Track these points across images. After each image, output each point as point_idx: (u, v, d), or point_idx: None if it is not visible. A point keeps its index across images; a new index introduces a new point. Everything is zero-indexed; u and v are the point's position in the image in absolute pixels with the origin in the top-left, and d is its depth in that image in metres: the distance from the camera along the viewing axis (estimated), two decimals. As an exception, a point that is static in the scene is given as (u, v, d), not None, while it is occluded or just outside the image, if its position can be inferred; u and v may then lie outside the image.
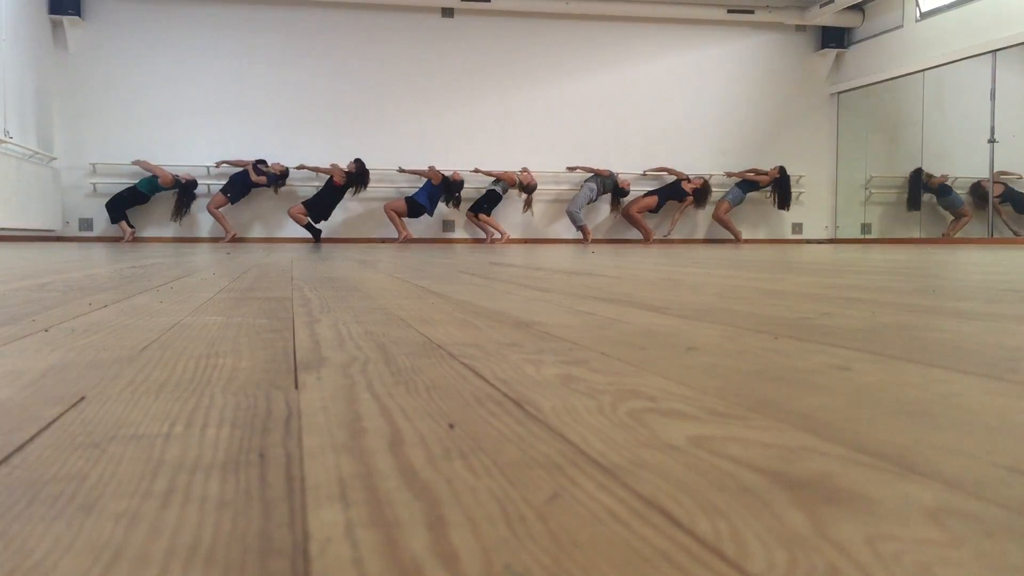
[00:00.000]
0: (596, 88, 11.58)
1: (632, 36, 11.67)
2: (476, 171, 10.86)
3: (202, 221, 10.73)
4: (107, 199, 10.24)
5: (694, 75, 11.84)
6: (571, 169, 11.20)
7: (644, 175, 11.55)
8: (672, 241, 11.66)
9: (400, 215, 10.51)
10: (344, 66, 11.03)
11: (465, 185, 10.78)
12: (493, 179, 10.80)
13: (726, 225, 11.45)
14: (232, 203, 10.31)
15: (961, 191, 10.78)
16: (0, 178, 8.45)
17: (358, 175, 10.30)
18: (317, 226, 10.41)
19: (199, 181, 10.55)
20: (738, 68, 11.97)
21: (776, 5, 11.68)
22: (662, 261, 4.06)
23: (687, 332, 1.10)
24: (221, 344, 1.00)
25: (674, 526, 0.38)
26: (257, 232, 10.87)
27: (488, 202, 10.74)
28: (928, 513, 0.39)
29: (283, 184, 10.46)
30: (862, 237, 11.93)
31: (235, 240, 10.41)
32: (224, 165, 10.52)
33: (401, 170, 10.73)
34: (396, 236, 10.68)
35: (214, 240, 10.47)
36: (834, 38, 12.00)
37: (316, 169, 10.38)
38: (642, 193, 11.34)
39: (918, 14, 10.84)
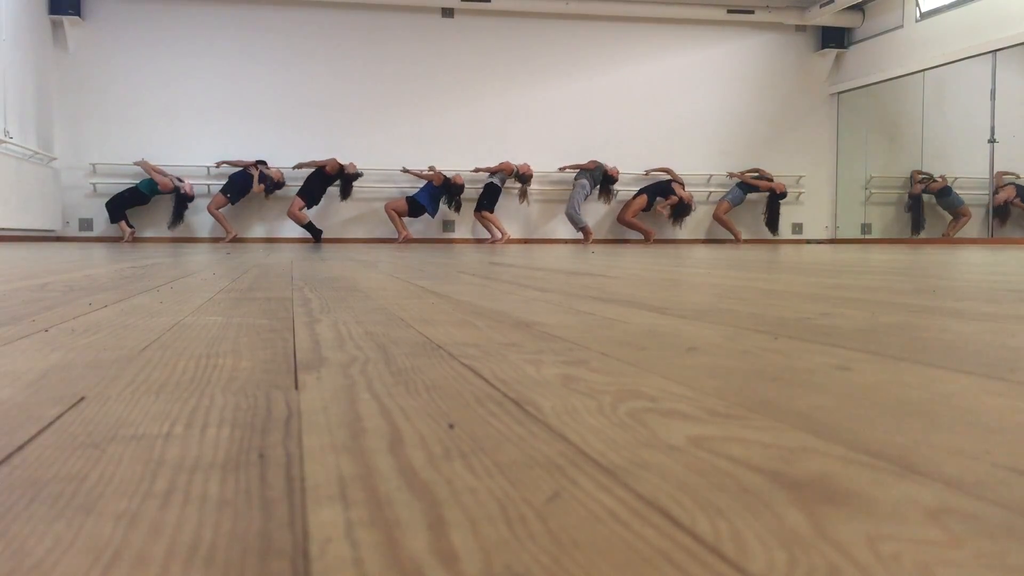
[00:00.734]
0: (596, 88, 11.58)
1: (632, 36, 11.67)
2: (476, 170, 10.86)
3: (202, 221, 10.73)
4: (107, 199, 10.24)
5: (694, 75, 11.84)
6: (562, 170, 11.21)
7: (646, 174, 11.55)
8: (673, 241, 11.66)
9: (401, 215, 10.51)
10: (344, 66, 11.03)
11: (467, 188, 10.78)
12: (489, 172, 10.77)
13: (726, 225, 11.45)
14: (232, 203, 10.32)
15: (962, 191, 10.78)
16: (0, 178, 8.45)
17: (347, 176, 10.32)
18: (318, 227, 10.43)
19: (199, 182, 10.55)
20: (738, 68, 11.96)
21: (776, 5, 11.68)
22: (662, 261, 4.06)
23: (687, 332, 1.10)
24: (221, 344, 1.00)
25: (674, 526, 0.38)
26: (257, 232, 10.87)
27: (488, 197, 10.71)
28: (928, 513, 0.39)
29: (279, 188, 10.47)
30: (862, 237, 11.93)
31: (235, 240, 10.42)
32: (224, 165, 10.52)
33: (405, 170, 10.74)
34: (396, 236, 10.68)
35: (214, 240, 10.47)
36: (834, 38, 12.01)
37: (313, 163, 10.39)
38: (631, 195, 11.33)
39: (918, 14, 10.85)
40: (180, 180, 10.29)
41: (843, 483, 0.44)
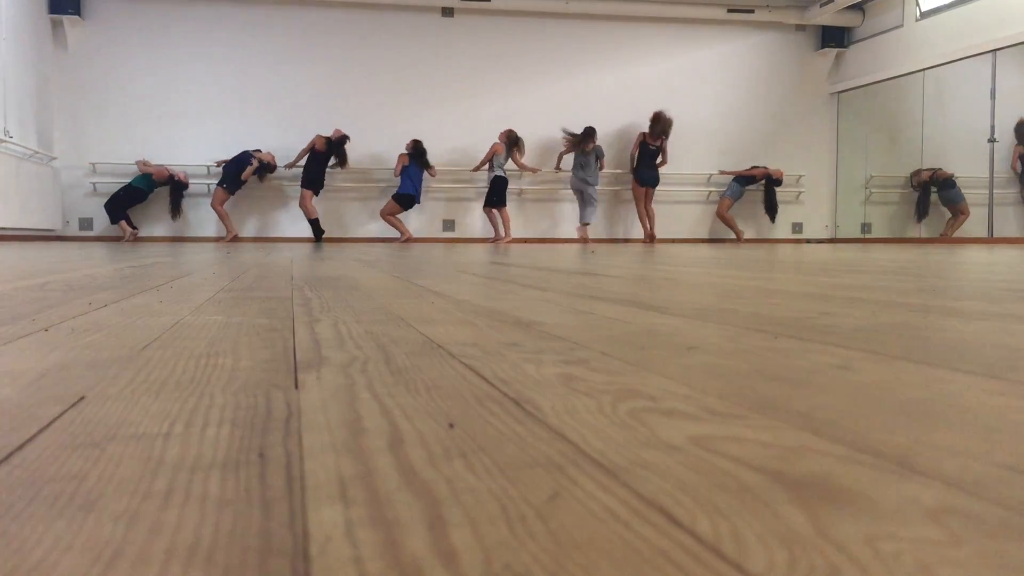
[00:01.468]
0: (596, 88, 11.58)
1: (632, 36, 11.67)
2: (476, 169, 10.84)
3: (202, 220, 10.73)
4: (106, 198, 10.24)
5: (694, 74, 11.83)
6: (722, 173, 11.45)
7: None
8: (672, 241, 11.66)
9: (395, 213, 10.50)
10: (344, 66, 11.03)
11: (466, 188, 10.76)
12: (487, 166, 10.70)
13: (729, 223, 11.44)
14: (231, 194, 10.30)
15: (965, 190, 10.77)
16: (0, 178, 8.45)
17: (337, 142, 10.32)
18: (322, 227, 10.44)
19: (199, 181, 10.55)
20: (738, 67, 11.96)
21: (776, 4, 11.68)
22: (662, 261, 4.06)
23: (687, 332, 1.10)
24: (221, 344, 1.00)
25: (674, 526, 0.38)
26: (257, 232, 10.87)
27: (498, 193, 10.64)
28: (928, 513, 0.39)
29: (271, 172, 10.46)
30: (862, 237, 11.93)
31: (235, 240, 10.42)
32: (223, 164, 10.53)
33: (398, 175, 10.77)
34: (398, 236, 10.68)
35: (215, 240, 10.47)
36: (834, 37, 12.00)
37: (301, 154, 10.40)
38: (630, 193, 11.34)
39: (918, 13, 10.84)
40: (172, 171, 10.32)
41: (843, 483, 0.44)
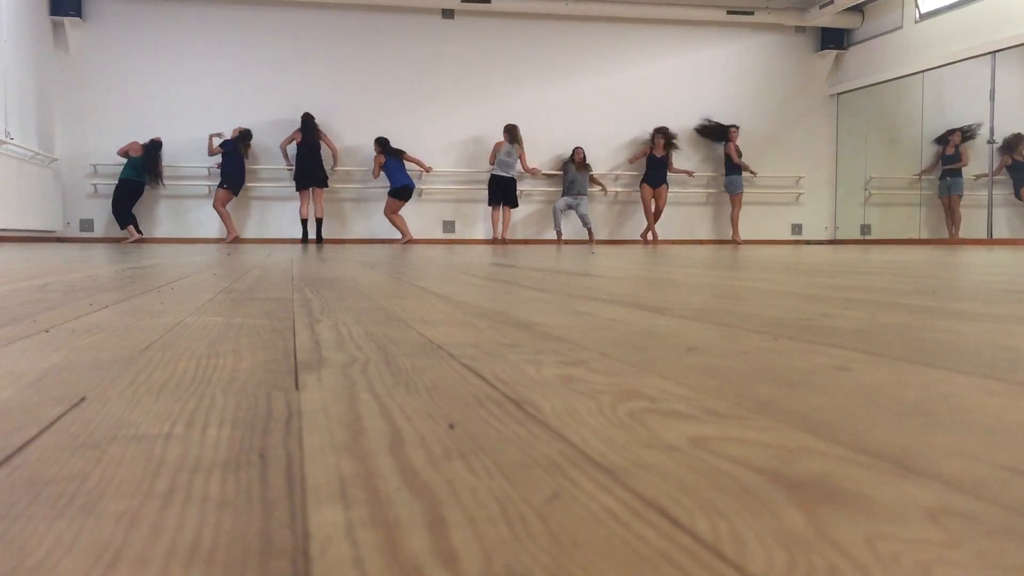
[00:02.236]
0: (596, 89, 11.59)
1: (632, 37, 11.67)
2: (494, 174, 10.83)
3: (203, 221, 10.74)
4: (107, 199, 10.24)
5: (694, 76, 11.84)
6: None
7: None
8: (672, 241, 11.66)
9: (397, 210, 10.49)
10: (345, 67, 11.04)
11: (468, 189, 10.76)
12: (495, 170, 10.73)
13: (736, 223, 11.44)
14: (235, 193, 10.28)
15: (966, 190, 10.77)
16: (1, 179, 8.46)
17: (309, 127, 10.35)
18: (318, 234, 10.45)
19: (200, 182, 10.56)
20: (738, 69, 11.97)
21: (776, 6, 11.68)
22: (662, 262, 4.06)
23: (687, 332, 1.10)
24: (222, 344, 1.00)
25: (674, 526, 0.38)
26: (258, 233, 10.87)
27: (491, 191, 10.69)
28: (927, 513, 0.39)
29: (248, 143, 10.39)
30: (862, 238, 11.93)
31: (236, 241, 10.41)
32: (221, 166, 10.44)
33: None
34: (399, 237, 10.67)
35: (216, 241, 10.47)
36: (834, 39, 12.01)
37: (283, 149, 10.37)
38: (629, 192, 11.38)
39: (917, 15, 10.85)
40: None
41: (843, 483, 0.44)
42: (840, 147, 12.25)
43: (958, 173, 10.76)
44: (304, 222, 10.37)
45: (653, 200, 11.21)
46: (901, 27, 11.10)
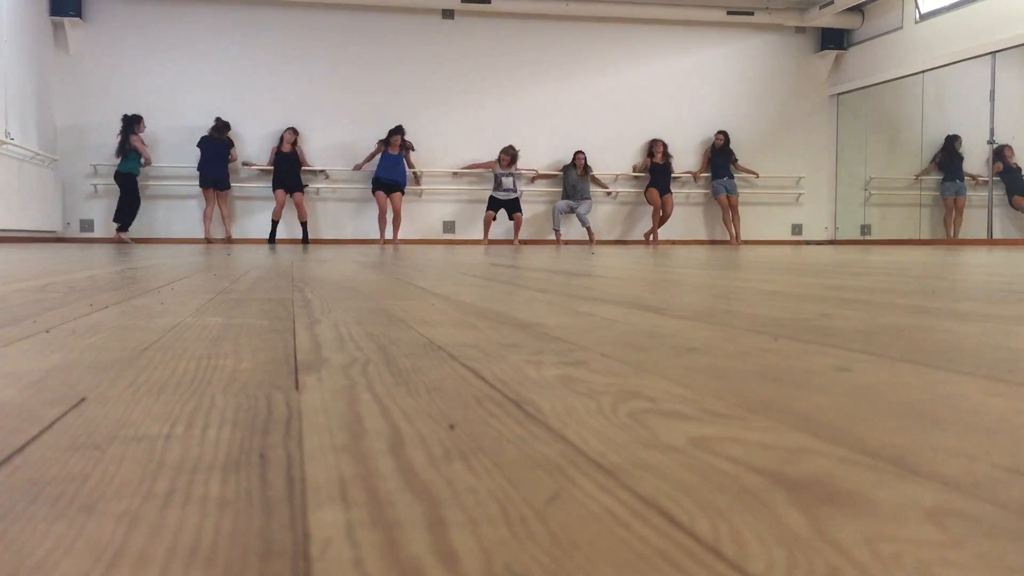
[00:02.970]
0: (596, 90, 11.59)
1: (632, 38, 11.67)
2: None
3: (203, 221, 10.73)
4: (107, 199, 10.23)
5: (694, 77, 11.84)
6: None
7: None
8: (672, 242, 11.66)
9: (379, 203, 10.49)
10: (345, 67, 11.04)
11: (470, 189, 10.77)
12: (496, 185, 10.77)
13: (739, 221, 11.45)
14: (220, 189, 10.27)
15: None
16: (1, 179, 8.46)
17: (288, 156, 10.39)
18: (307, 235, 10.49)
19: (197, 183, 10.56)
20: (738, 70, 11.97)
21: (776, 7, 11.68)
22: (661, 262, 4.06)
23: (687, 333, 1.10)
24: (222, 345, 1.00)
25: (674, 526, 0.38)
26: (258, 233, 10.87)
27: (514, 203, 10.76)
28: (927, 514, 0.39)
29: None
30: (862, 238, 11.93)
31: (226, 241, 10.41)
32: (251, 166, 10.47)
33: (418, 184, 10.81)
34: (389, 236, 10.69)
35: (221, 241, 10.47)
36: (834, 39, 12.01)
37: (272, 161, 10.41)
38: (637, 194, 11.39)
39: (917, 15, 10.85)
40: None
41: (843, 483, 0.44)
42: (840, 147, 12.25)
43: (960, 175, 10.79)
44: (274, 223, 10.36)
45: (662, 206, 11.27)
46: (901, 27, 11.10)
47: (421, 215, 11.19)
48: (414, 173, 10.90)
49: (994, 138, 10.24)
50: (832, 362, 0.85)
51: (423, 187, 11.13)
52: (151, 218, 10.60)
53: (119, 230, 10.05)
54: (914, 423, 0.58)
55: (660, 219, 11.27)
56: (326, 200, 10.99)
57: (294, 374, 0.80)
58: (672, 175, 11.39)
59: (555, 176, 11.35)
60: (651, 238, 11.41)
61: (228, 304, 1.58)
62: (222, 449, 0.52)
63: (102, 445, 0.53)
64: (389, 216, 10.48)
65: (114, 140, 10.25)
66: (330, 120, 10.97)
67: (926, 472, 0.46)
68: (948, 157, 10.89)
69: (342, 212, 11.08)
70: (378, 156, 10.53)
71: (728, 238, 11.62)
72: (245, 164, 10.62)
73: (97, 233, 10.57)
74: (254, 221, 10.86)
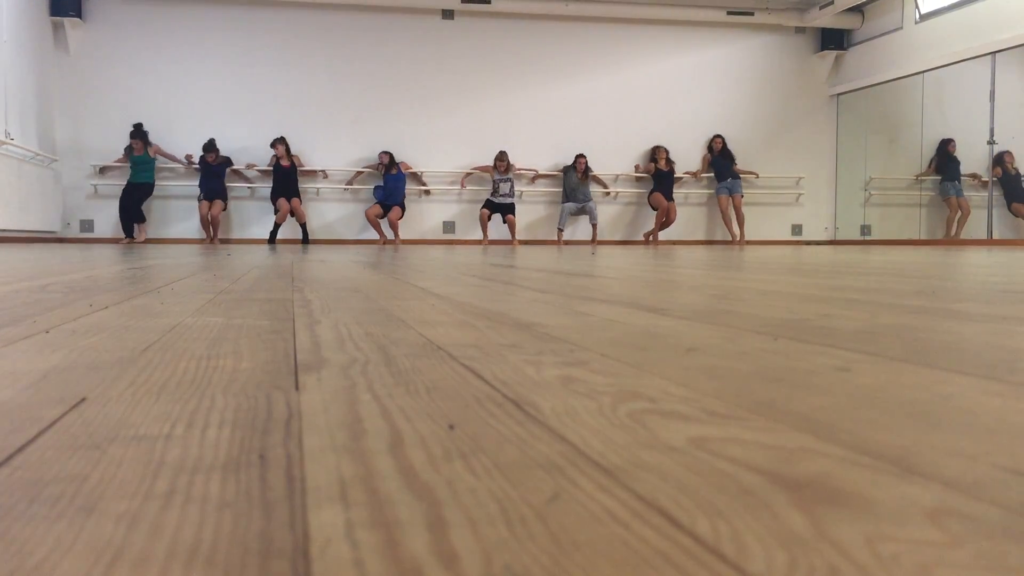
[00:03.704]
0: (596, 90, 11.59)
1: (632, 38, 11.67)
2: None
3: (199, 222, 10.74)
4: (107, 200, 10.24)
5: (694, 77, 11.84)
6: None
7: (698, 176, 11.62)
8: (671, 242, 11.66)
9: (374, 214, 10.49)
10: (344, 67, 11.04)
11: (469, 190, 10.77)
12: (494, 190, 10.79)
13: (742, 220, 11.44)
14: (209, 199, 10.29)
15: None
16: (1, 179, 8.46)
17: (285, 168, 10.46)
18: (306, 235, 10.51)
19: (197, 183, 10.57)
20: (738, 70, 11.97)
21: (776, 7, 11.68)
22: (661, 262, 4.06)
23: (687, 333, 1.10)
24: (222, 345, 1.00)
25: (674, 527, 0.38)
26: (258, 234, 10.87)
27: (509, 207, 10.78)
28: (927, 514, 0.39)
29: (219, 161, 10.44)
30: (862, 238, 11.93)
31: (219, 241, 10.41)
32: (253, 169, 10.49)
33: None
34: (384, 237, 10.70)
35: (222, 242, 10.47)
36: (834, 40, 12.01)
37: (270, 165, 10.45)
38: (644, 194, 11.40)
39: (917, 16, 10.85)
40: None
41: (843, 484, 0.44)
42: (840, 148, 12.25)
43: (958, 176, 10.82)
44: (277, 225, 10.39)
45: (667, 212, 11.30)
46: (901, 28, 11.10)
47: (421, 215, 11.19)
48: (421, 184, 10.96)
49: (994, 138, 10.24)
50: (832, 362, 0.85)
51: (423, 187, 11.14)
52: (151, 218, 10.60)
53: (129, 236, 10.12)
54: (914, 423, 0.58)
55: (663, 224, 11.28)
56: (326, 200, 10.98)
57: (294, 374, 0.80)
58: (676, 177, 11.40)
59: (555, 176, 11.35)
60: (651, 238, 11.42)
61: (228, 304, 1.58)
62: (222, 449, 0.52)
63: (102, 445, 0.53)
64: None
65: (114, 140, 10.25)
66: (330, 120, 10.96)
67: (926, 472, 0.46)
68: (944, 160, 10.91)
69: (342, 212, 11.07)
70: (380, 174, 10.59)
71: (729, 238, 11.62)
72: (249, 166, 10.62)
73: (97, 233, 10.57)
74: (254, 222, 10.86)
